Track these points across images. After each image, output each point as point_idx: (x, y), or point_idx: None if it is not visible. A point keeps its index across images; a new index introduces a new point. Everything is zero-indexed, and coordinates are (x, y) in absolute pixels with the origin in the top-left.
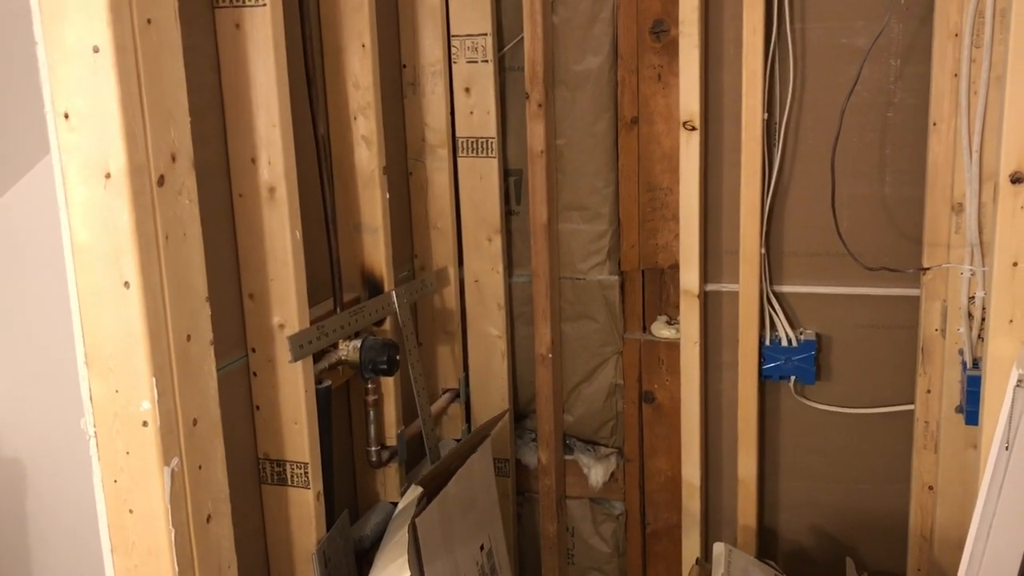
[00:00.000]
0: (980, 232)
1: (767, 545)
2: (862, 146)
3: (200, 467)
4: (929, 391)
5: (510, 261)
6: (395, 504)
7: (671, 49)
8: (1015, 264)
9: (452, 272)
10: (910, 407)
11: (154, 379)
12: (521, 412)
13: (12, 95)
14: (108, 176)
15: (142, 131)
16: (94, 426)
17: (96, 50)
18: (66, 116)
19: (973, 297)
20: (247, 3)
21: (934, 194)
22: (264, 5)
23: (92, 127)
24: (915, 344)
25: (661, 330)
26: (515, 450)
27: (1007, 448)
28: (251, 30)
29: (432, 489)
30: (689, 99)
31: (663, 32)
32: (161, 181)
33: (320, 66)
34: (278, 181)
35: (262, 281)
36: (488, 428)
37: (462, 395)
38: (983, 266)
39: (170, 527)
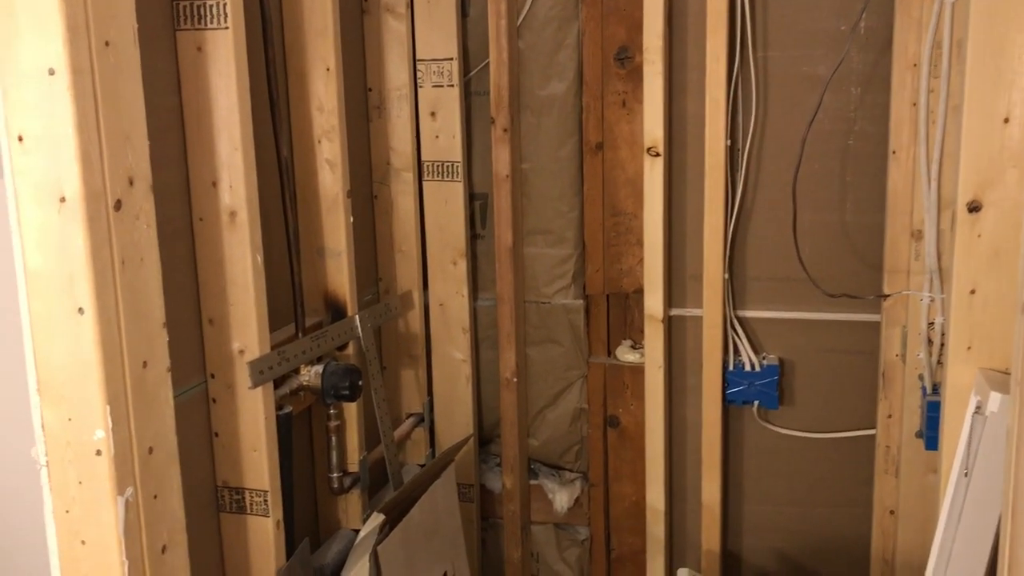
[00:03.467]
0: (939, 259)
1: (730, 570)
2: (823, 173)
3: (155, 496)
4: (890, 416)
5: (475, 285)
6: (357, 531)
7: (635, 76)
8: (972, 292)
9: (417, 296)
10: (871, 432)
11: (108, 407)
12: (486, 437)
13: None
14: (63, 200)
15: (99, 155)
16: (46, 455)
17: (52, 72)
18: (20, 139)
19: (932, 323)
20: (209, 26)
21: (894, 221)
22: (227, 28)
23: (47, 150)
24: (876, 369)
25: (626, 354)
26: (479, 475)
27: (966, 475)
28: (213, 53)
29: (395, 516)
30: (653, 125)
31: (627, 59)
32: (118, 206)
33: (284, 89)
34: (239, 205)
35: (222, 306)
36: (452, 453)
37: (426, 420)
38: (942, 293)
39: (123, 559)
